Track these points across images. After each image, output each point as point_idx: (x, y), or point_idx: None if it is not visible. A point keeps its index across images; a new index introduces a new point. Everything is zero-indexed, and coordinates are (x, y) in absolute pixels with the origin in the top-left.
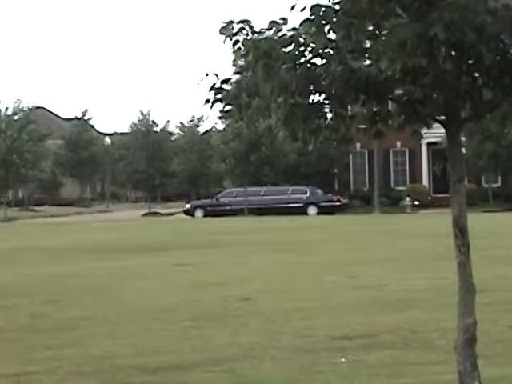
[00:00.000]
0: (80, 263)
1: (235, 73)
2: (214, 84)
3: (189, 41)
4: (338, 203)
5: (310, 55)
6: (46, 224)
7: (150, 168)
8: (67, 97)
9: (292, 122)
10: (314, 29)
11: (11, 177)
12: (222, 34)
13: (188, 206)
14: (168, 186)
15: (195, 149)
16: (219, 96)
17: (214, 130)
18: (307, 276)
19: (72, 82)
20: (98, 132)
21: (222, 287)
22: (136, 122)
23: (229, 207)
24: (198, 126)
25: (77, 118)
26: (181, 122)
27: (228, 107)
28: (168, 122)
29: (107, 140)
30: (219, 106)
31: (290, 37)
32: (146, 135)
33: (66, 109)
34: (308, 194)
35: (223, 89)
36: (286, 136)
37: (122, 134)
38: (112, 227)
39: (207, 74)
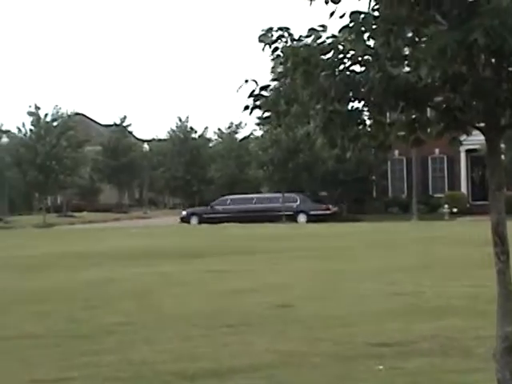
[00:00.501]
0: (118, 269)
1: (274, 79)
2: (254, 90)
3: (228, 47)
4: (327, 211)
5: (349, 62)
6: (84, 230)
7: (188, 174)
8: (106, 103)
9: (331, 129)
10: (353, 36)
11: (50, 183)
12: (261, 41)
13: (184, 213)
14: (205, 192)
15: (233, 155)
16: (258, 102)
17: (252, 136)
18: (345, 283)
19: (111, 88)
20: (137, 138)
21: (260, 294)
22: (174, 128)
23: (222, 215)
24: (236, 133)
25: (115, 125)
26: (219, 129)
27: (267, 114)
28: (206, 128)
29: (145, 146)
30: (258, 112)
31: (329, 44)
32: (184, 142)
33: (105, 115)
34: (298, 202)
35: (262, 95)
36: (324, 143)
37: (160, 140)
38: (150, 233)
39: (246, 81)
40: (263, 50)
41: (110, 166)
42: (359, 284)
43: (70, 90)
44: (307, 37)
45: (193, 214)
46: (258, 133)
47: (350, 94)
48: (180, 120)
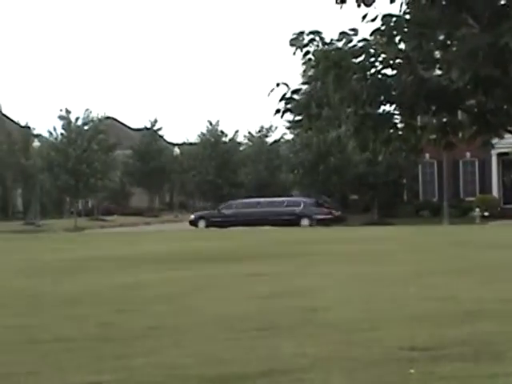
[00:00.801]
0: (149, 273)
1: (305, 83)
2: (285, 94)
3: (259, 51)
4: (329, 216)
5: (381, 65)
6: (115, 233)
7: (219, 178)
8: (137, 107)
9: (362, 132)
10: (384, 39)
11: (81, 186)
12: (292, 45)
13: (192, 216)
14: (236, 195)
15: (263, 159)
16: (289, 106)
17: (282, 140)
18: (376, 286)
19: (142, 92)
20: (167, 142)
21: (292, 297)
22: (205, 132)
23: (229, 218)
24: (267, 136)
25: (146, 128)
26: (249, 132)
27: (298, 117)
28: (237, 132)
29: (176, 150)
30: (289, 115)
31: (361, 47)
32: (214, 145)
33: (136, 119)
34: (301, 207)
35: (293, 99)
36: (355, 146)
37: (190, 144)
38: (181, 237)
39: (278, 85)
40: (294, 53)
41: (141, 170)
42: (391, 288)
43: (100, 94)
44: (338, 40)
45: (201, 217)
46: (289, 136)
47: (382, 98)
48: (211, 124)
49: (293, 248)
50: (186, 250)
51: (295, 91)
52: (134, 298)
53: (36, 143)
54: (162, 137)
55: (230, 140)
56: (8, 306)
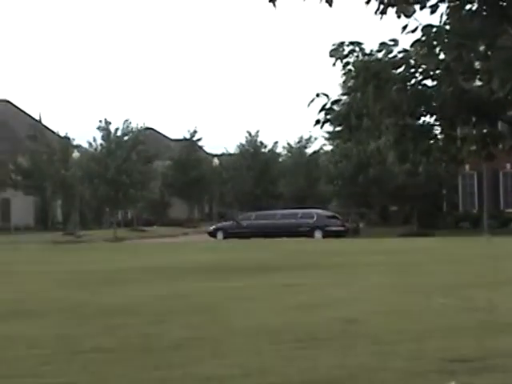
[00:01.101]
0: (188, 283)
1: (344, 94)
2: (325, 105)
3: (299, 62)
4: (341, 228)
5: (421, 76)
6: (154, 244)
7: (257, 189)
8: (176, 118)
9: (402, 144)
10: (425, 50)
11: (120, 197)
12: (332, 55)
13: (211, 228)
14: (275, 206)
15: (302, 170)
16: (329, 116)
17: (322, 151)
18: (414, 297)
19: (181, 102)
20: (206, 153)
21: (329, 308)
22: (244, 142)
23: (246, 230)
24: (306, 147)
25: (185, 139)
26: (288, 143)
27: (337, 128)
28: (276, 143)
29: (215, 161)
30: (328, 126)
31: (401, 58)
32: (253, 156)
33: (175, 129)
34: (315, 219)
35: (333, 109)
36: (395, 157)
37: (230, 154)
38: (219, 248)
39: (318, 95)
40: (334, 64)
41: (180, 181)
42: (429, 299)
43: (140, 105)
44: (379, 51)
45: (219, 228)
46: (328, 147)
47: (422, 108)
48: (250, 134)
49: (325, 259)
50: (224, 260)
51: (335, 102)
52: (173, 308)
53: (75, 154)
54: (201, 147)
55: (269, 151)
56: (48, 317)
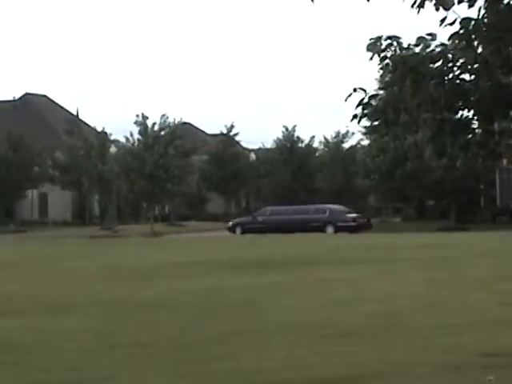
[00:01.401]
0: (226, 278)
1: (382, 88)
2: (362, 99)
3: (336, 56)
4: (353, 223)
5: (459, 70)
6: (192, 239)
7: (295, 183)
8: (213, 112)
9: (439, 138)
10: (463, 43)
11: (158, 192)
12: (369, 50)
13: (230, 223)
14: (312, 201)
15: (339, 165)
16: (366, 111)
17: (359, 145)
18: (452, 292)
19: (218, 97)
20: (243, 148)
21: (368, 303)
22: (281, 137)
23: (263, 225)
24: (343, 142)
25: (222, 134)
26: (325, 138)
27: (375, 123)
28: (313, 137)
29: (252, 155)
30: (366, 121)
31: (439, 52)
32: (290, 151)
33: (212, 124)
34: (327, 214)
35: (370, 104)
36: (432, 152)
37: (267, 149)
38: (256, 243)
39: (355, 90)
40: (371, 58)
41: (217, 175)
42: (467, 293)
43: (177, 100)
44: (416, 45)
45: (237, 224)
46: (365, 142)
47: (460, 103)
48: (287, 129)
49: (362, 254)
50: (261, 255)
51: (372, 97)
52: (210, 303)
53: (112, 149)
54: (238, 142)
55: (305, 145)
56: (87, 311)
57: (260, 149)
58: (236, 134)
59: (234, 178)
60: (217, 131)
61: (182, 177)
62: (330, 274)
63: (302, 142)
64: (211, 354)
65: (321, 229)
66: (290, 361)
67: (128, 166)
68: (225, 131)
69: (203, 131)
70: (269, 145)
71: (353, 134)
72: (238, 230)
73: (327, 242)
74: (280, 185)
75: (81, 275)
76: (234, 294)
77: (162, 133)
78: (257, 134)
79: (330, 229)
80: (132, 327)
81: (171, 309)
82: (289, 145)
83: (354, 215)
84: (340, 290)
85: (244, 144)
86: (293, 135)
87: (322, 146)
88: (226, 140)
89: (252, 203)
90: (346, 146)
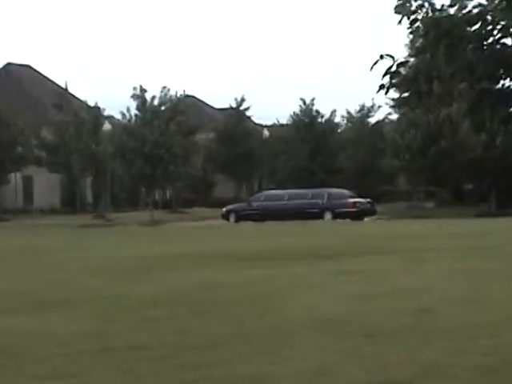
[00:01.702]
0: (232, 272)
1: (412, 55)
2: (390, 67)
3: (359, 19)
4: (353, 209)
5: (500, 34)
6: (195, 228)
7: (314, 163)
8: (221, 84)
9: (478, 111)
10: (503, 3)
11: (158, 175)
12: (397, 12)
13: (224, 210)
14: (333, 183)
15: (365, 142)
16: (395, 81)
17: (386, 120)
18: (492, 285)
19: (226, 67)
20: (255, 124)
21: (396, 298)
22: (298, 111)
23: (257, 211)
24: (369, 117)
25: (231, 108)
26: (348, 112)
27: (404, 94)
28: (334, 111)
29: (265, 133)
30: (394, 92)
31: (477, 14)
32: (309, 127)
33: (220, 97)
34: (325, 200)
35: (399, 73)
36: (469, 126)
37: (282, 125)
38: (268, 232)
39: (382, 57)
40: (400, 21)
41: (226, 155)
42: (509, 287)
43: (179, 71)
44: (451, 6)
45: (231, 211)
46: (394, 116)
47: (501, 71)
48: (304, 103)
49: (388, 243)
50: (272, 246)
51: (401, 64)
52: (215, 299)
53: (107, 126)
54: (249, 117)
55: (326, 121)
56: (79, 309)
57: (274, 125)
58: (247, 109)
59: (244, 158)
60: (225, 105)
61: (185, 157)
62: (352, 266)
63: (322, 116)
64: (211, 357)
65: (318, 215)
66: (304, 365)
67: (124, 145)
68: (234, 105)
69: (209, 105)
70: (284, 120)
71: (379, 107)
72: (232, 218)
73: (347, 231)
74: (297, 165)
75: (72, 268)
76: (239, 289)
77: (163, 107)
78: (270, 109)
79: (327, 215)
80: (128, 327)
81: (171, 305)
82: (307, 120)
83: (354, 200)
84: (363, 283)
85: (256, 120)
86: (311, 109)
87: (344, 121)
88: (236, 115)
89: (266, 186)
90: (372, 120)
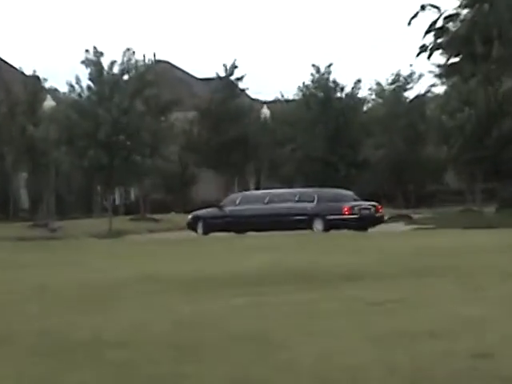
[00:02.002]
0: (216, 300)
1: (464, 6)
2: (435, 22)
3: None
4: (348, 216)
5: None
6: (169, 241)
7: (332, 153)
8: (204, 48)
9: None
10: None
11: (119, 168)
12: None
13: (189, 217)
14: (358, 179)
15: (400, 124)
16: (441, 40)
17: (429, 94)
18: None
19: (211, 25)
20: (252, 99)
21: (445, 335)
22: (309, 82)
23: (230, 219)
24: (406, 90)
25: (219, 78)
26: (378, 83)
27: (454, 59)
28: (358, 83)
29: (265, 111)
30: (440, 56)
31: None
32: (324, 104)
33: (203, 65)
34: (314, 203)
35: (447, 29)
36: None
37: (287, 101)
38: (264, 246)
39: (423, 8)
40: None
41: (212, 142)
42: None
43: (148, 29)
44: None
45: (198, 218)
46: (439, 89)
47: None
48: (318, 71)
49: (430, 261)
50: (278, 265)
51: (450, 18)
52: (198, 341)
53: (49, 102)
54: (243, 91)
55: (347, 95)
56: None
57: (277, 101)
58: (240, 79)
59: (237, 145)
60: (210, 74)
61: (156, 145)
62: (384, 292)
63: (342, 89)
64: None
65: (307, 224)
66: None
67: (73, 127)
68: (223, 74)
69: (190, 74)
70: (291, 95)
71: (420, 76)
72: (200, 228)
73: (374, 244)
74: (308, 156)
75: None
76: (225, 325)
77: (126, 77)
78: (271, 81)
79: (317, 224)
80: (74, 374)
81: (137, 348)
82: (321, 94)
83: (351, 204)
84: (401, 316)
85: (252, 94)
86: (327, 80)
87: (372, 96)
88: (225, 87)
89: (265, 185)
90: (410, 95)
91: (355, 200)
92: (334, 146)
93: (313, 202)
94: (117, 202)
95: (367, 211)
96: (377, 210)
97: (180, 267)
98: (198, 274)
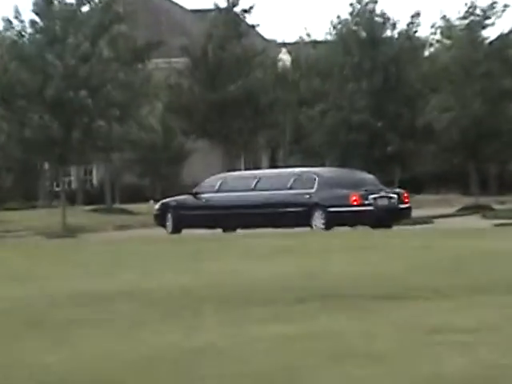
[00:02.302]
0: (217, 327)
1: None
2: None
3: None
4: (358, 208)
5: None
6: (145, 241)
7: (377, 117)
8: None
9: None
10: None
11: (76, 139)
12: None
13: (156, 207)
14: (415, 154)
15: (477, 75)
16: None
17: None
18: None
19: None
20: (265, 39)
21: None
22: (347, 17)
23: (207, 211)
24: (484, 27)
25: (218, 9)
26: (444, 18)
27: None
28: (416, 16)
29: (284, 57)
30: None
31: None
32: (368, 46)
33: None
34: (314, 190)
35: None
36: None
37: (315, 43)
38: (281, 248)
39: None
40: None
41: (207, 101)
42: None
43: None
44: None
45: (166, 208)
46: None
47: None
48: (359, 0)
49: (498, 274)
50: (296, 274)
51: None
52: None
53: None
54: (253, 27)
55: (401, 35)
56: None
57: (301, 43)
58: (248, 11)
59: (242, 105)
60: (206, 5)
61: (128, 105)
62: (447, 316)
63: (394, 26)
64: None
65: (304, 219)
66: None
67: (10, 81)
68: (224, 4)
69: (177, 4)
70: (320, 36)
71: (505, 8)
72: (169, 222)
73: (445, 246)
74: (345, 120)
75: None
76: (235, 357)
77: (86, 8)
78: (292, 16)
79: (316, 219)
80: None
81: None
82: (364, 34)
83: (360, 191)
84: (472, 350)
85: (266, 34)
86: (372, 13)
87: (436, 37)
88: (227, 22)
89: (284, 162)
90: (491, 34)
91: (375, 186)
92: (382, 106)
93: (312, 188)
94: (73, 186)
95: (385, 201)
96: (401, 200)
97: (154, 278)
98: (180, 286)
